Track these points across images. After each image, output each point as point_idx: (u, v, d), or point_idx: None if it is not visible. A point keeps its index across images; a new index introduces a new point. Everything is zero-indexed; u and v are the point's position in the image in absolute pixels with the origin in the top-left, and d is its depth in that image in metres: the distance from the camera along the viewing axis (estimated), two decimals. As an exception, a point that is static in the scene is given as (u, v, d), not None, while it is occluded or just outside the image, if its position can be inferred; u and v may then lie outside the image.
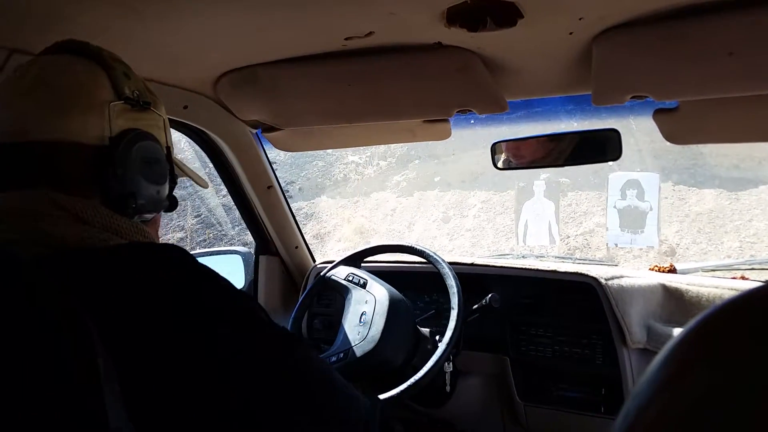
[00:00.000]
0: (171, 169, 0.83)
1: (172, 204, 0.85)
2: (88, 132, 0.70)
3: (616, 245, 7.15)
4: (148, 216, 0.80)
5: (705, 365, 0.27)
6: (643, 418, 0.28)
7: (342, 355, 1.42)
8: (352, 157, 11.08)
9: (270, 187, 1.75)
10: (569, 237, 7.86)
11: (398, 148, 10.44)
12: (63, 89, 0.70)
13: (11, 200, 0.66)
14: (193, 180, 0.97)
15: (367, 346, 1.39)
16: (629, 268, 1.79)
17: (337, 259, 1.68)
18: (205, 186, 1.05)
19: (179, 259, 0.67)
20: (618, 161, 1.46)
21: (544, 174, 7.58)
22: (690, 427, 0.25)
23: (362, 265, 1.66)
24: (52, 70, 0.72)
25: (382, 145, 10.57)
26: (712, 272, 1.85)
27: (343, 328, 1.47)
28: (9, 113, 0.70)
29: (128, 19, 0.93)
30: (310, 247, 2.07)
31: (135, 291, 0.62)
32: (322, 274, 1.64)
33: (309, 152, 10.96)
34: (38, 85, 0.70)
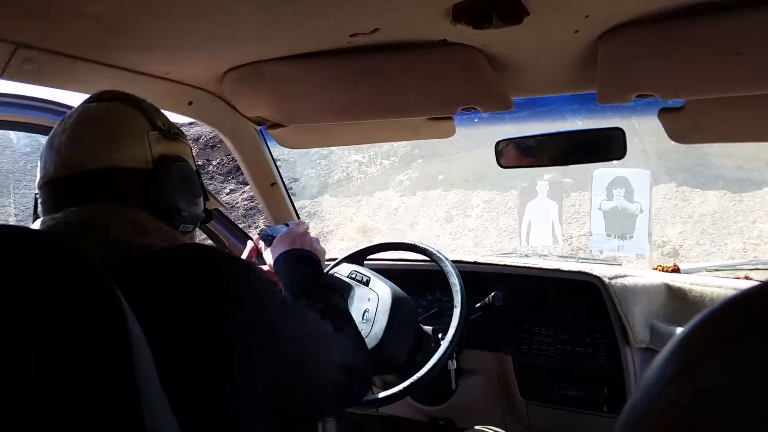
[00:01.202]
0: (203, 187, 0.99)
1: (207, 217, 1.00)
2: (135, 159, 0.86)
3: (601, 252, 6.47)
4: (190, 227, 0.94)
5: (716, 356, 0.27)
6: (652, 409, 0.28)
7: None
8: (355, 155, 11.08)
9: (274, 184, 1.76)
10: (572, 237, 7.85)
11: (401, 147, 10.44)
12: (113, 127, 0.87)
13: (84, 213, 0.80)
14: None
15: (370, 343, 1.39)
16: (633, 268, 1.79)
17: (340, 257, 1.68)
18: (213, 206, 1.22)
19: (224, 257, 0.83)
20: (622, 160, 1.46)
21: (548, 174, 7.55)
22: (701, 417, 0.25)
23: (365, 263, 1.66)
24: (102, 114, 0.89)
25: (386, 144, 10.57)
26: (716, 272, 1.85)
27: None
28: (76, 148, 0.85)
29: (135, 15, 0.93)
30: (314, 244, 2.07)
31: (193, 285, 0.75)
32: (325, 271, 1.64)
33: (312, 150, 10.98)
34: (94, 126, 0.87)
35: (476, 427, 1.59)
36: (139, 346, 0.58)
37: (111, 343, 0.55)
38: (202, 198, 0.97)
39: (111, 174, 0.84)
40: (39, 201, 0.87)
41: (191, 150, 1.00)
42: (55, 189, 0.84)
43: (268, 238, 1.28)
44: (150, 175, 0.87)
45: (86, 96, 0.93)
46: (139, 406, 0.54)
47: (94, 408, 0.52)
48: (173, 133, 0.93)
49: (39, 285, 0.54)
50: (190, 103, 1.38)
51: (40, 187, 0.87)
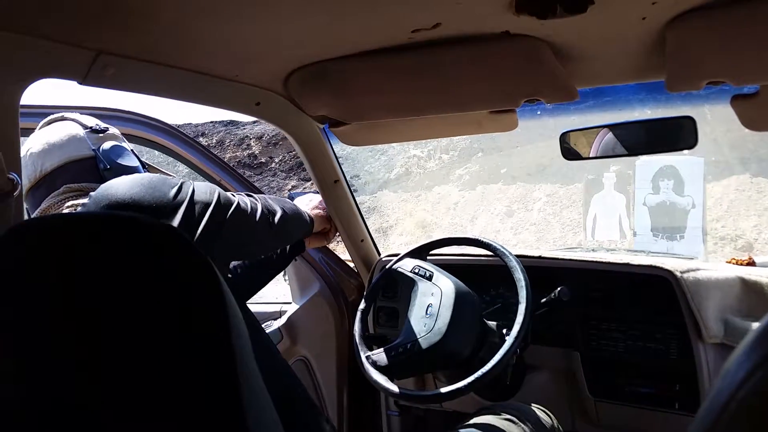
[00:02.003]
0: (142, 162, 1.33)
1: None
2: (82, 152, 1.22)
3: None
4: None
5: None
6: (735, 397, 0.28)
7: (408, 346, 1.43)
8: (414, 150, 11.08)
9: (336, 181, 1.78)
10: (640, 231, 7.60)
11: (461, 141, 10.37)
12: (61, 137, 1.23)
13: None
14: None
15: (434, 338, 1.40)
16: (706, 262, 1.73)
17: (402, 252, 1.69)
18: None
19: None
20: (697, 152, 1.41)
21: (615, 166, 7.29)
22: None
23: (428, 257, 1.67)
24: (51, 131, 1.25)
25: (445, 139, 10.52)
26: (795, 265, 1.76)
27: (409, 320, 1.48)
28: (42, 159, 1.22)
29: (203, 19, 0.97)
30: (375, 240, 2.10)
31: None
32: (388, 266, 1.65)
33: (370, 146, 11.05)
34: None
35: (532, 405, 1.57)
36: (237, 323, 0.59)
37: (214, 320, 0.56)
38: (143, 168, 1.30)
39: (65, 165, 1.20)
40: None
41: (121, 137, 1.33)
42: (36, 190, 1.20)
43: (292, 198, 1.70)
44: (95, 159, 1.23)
45: (161, 98, 1.05)
46: (239, 385, 0.55)
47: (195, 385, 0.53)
48: (102, 128, 1.28)
49: (159, 267, 0.56)
50: (257, 104, 1.42)
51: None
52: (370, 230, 2.04)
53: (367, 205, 10.43)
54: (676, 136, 1.43)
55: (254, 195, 1.28)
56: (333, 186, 1.78)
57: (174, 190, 1.06)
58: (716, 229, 7.38)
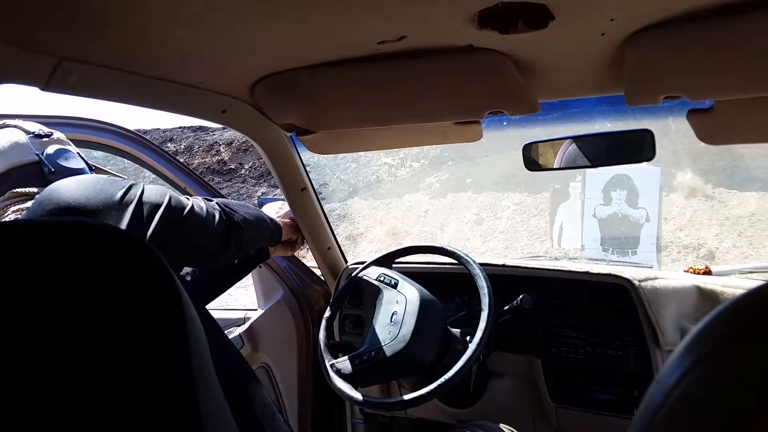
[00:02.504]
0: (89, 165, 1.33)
1: None
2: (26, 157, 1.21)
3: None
4: None
5: (728, 351, 0.28)
6: (667, 400, 0.29)
7: (373, 354, 1.44)
8: (385, 158, 11.11)
9: (303, 189, 1.79)
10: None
11: (431, 150, 10.44)
12: (3, 144, 1.21)
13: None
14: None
15: (398, 345, 1.41)
16: (664, 270, 1.78)
17: (369, 260, 1.70)
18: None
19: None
20: (654, 162, 1.45)
21: (580, 175, 7.44)
22: (712, 408, 0.26)
23: (393, 266, 1.68)
24: None
25: (415, 147, 10.57)
26: (749, 274, 1.82)
27: (374, 328, 1.49)
28: None
29: (168, 26, 0.97)
30: (343, 248, 2.10)
31: None
32: (353, 274, 1.66)
33: (341, 154, 11.03)
34: None
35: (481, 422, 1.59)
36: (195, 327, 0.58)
37: (169, 323, 0.55)
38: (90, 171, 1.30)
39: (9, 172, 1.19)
40: None
41: (66, 141, 1.33)
42: None
43: (261, 204, 1.73)
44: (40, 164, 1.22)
45: (123, 105, 1.07)
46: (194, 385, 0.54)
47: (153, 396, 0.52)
48: (45, 134, 1.27)
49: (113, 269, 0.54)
50: (223, 112, 1.42)
51: None
52: (338, 238, 2.05)
53: (338, 212, 10.40)
54: (636, 148, 1.47)
55: (214, 199, 1.27)
56: (300, 194, 1.78)
57: (121, 192, 1.04)
58: (680, 238, 7.57)
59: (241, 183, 11.97)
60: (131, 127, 1.86)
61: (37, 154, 1.22)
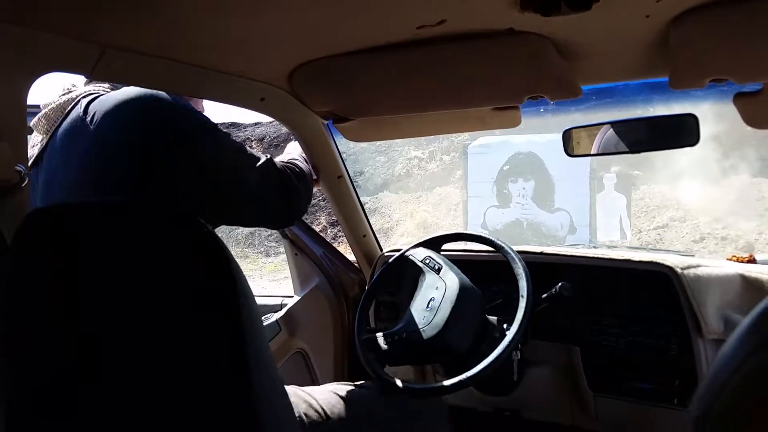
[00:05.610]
0: None
1: None
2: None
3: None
4: None
5: None
6: (733, 379, 0.29)
7: (406, 335, 1.44)
8: (414, 152, 11.07)
9: (340, 176, 1.80)
10: (641, 231, 7.60)
11: (461, 143, 10.36)
12: None
13: None
14: None
15: (431, 331, 1.41)
16: (707, 258, 1.74)
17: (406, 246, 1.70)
18: None
19: None
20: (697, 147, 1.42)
21: (615, 166, 7.32)
22: None
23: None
24: None
25: (445, 140, 10.52)
26: (796, 263, 1.77)
27: (410, 311, 1.49)
28: None
29: (208, 14, 0.98)
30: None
31: None
32: (400, 253, 1.66)
33: (371, 147, 11.04)
34: None
35: None
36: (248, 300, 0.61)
37: (223, 294, 0.59)
38: None
39: None
40: None
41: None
42: None
43: None
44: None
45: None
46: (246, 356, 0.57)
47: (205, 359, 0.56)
48: None
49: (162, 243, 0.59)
50: (262, 99, 1.43)
51: None
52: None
53: (368, 206, 10.42)
54: (679, 133, 1.44)
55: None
56: (337, 181, 1.79)
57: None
58: (717, 230, 7.39)
59: (273, 176, 12.06)
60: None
61: None
